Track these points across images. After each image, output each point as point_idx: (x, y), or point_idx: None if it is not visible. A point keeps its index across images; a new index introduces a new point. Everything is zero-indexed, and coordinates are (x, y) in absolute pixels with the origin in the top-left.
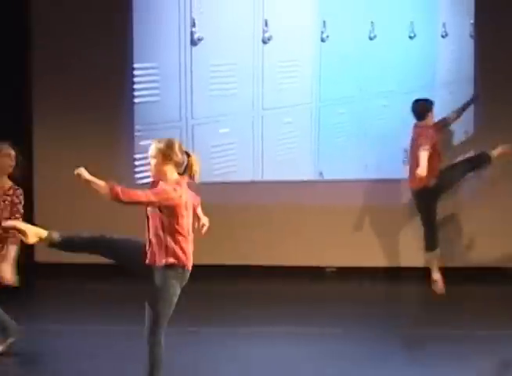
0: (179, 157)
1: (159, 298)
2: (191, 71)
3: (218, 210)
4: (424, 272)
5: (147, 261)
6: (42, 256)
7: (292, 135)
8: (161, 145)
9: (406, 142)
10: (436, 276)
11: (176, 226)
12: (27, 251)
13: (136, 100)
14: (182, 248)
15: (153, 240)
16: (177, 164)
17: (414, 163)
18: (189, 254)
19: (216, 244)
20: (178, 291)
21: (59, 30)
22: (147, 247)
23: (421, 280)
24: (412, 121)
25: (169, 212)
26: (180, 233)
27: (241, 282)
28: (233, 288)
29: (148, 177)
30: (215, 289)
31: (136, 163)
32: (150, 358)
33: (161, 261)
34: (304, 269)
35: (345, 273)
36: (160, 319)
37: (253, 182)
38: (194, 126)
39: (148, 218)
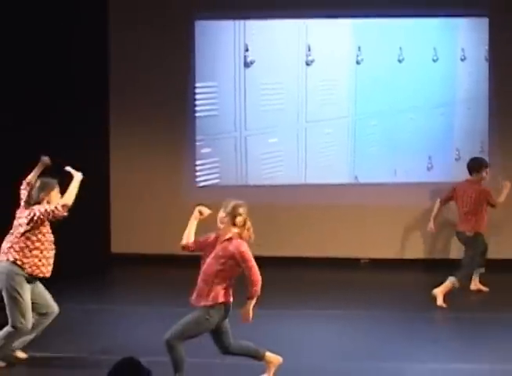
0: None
1: (199, 323)
2: (244, 89)
3: (266, 209)
4: (449, 263)
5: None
6: (118, 247)
7: (331, 145)
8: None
9: (430, 150)
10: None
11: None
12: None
13: (198, 114)
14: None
15: (201, 284)
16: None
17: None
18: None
19: (266, 238)
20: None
21: (135, 57)
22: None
23: (441, 270)
24: (435, 132)
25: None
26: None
27: (292, 271)
28: (284, 276)
29: (206, 180)
30: (273, 276)
31: (197, 168)
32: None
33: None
34: (341, 260)
35: (377, 264)
36: (189, 333)
37: (297, 185)
38: (247, 137)
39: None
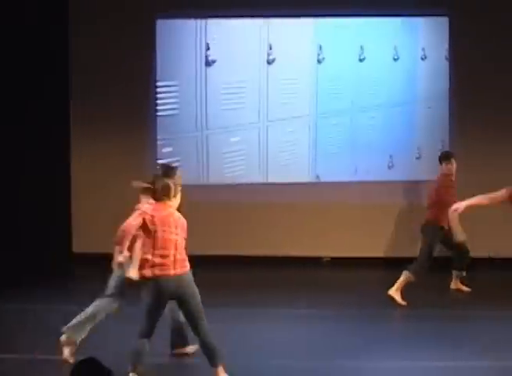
0: None
1: None
2: (206, 88)
3: (228, 208)
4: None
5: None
6: (79, 247)
7: (293, 143)
8: None
9: (391, 149)
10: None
11: None
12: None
13: (159, 114)
14: None
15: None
16: None
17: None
18: None
19: (228, 237)
20: None
21: (96, 56)
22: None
23: (402, 268)
24: (396, 130)
25: None
26: None
27: (254, 270)
28: (245, 275)
29: None
30: (235, 275)
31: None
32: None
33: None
34: (303, 258)
35: (339, 262)
36: None
37: (259, 184)
38: (208, 135)
39: None
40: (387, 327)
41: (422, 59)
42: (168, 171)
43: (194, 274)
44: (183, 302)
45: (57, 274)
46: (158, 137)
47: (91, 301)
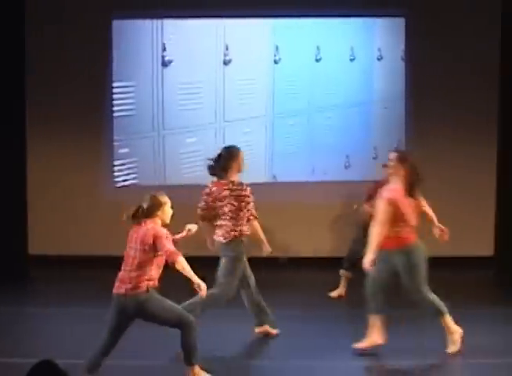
0: None
1: None
2: (162, 89)
3: (185, 209)
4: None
5: None
6: (35, 249)
7: (249, 144)
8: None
9: (347, 149)
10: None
11: None
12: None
13: (115, 114)
14: None
15: None
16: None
17: None
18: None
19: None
20: None
21: (51, 56)
22: None
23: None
24: (352, 131)
25: None
26: None
27: (211, 271)
28: (203, 276)
29: (124, 180)
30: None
31: (115, 168)
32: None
33: None
34: (259, 259)
35: (295, 263)
36: None
37: None
38: (165, 136)
39: None
40: (351, 327)
41: (378, 59)
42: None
43: None
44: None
45: (12, 276)
46: (115, 138)
47: (46, 304)
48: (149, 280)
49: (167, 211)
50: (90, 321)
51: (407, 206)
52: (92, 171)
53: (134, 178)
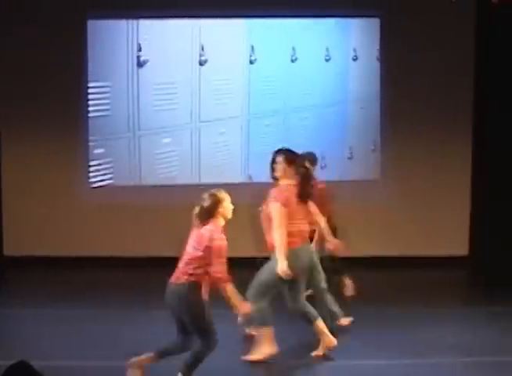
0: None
1: None
2: (138, 89)
3: (161, 209)
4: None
5: None
6: (10, 250)
7: (225, 144)
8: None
9: (323, 149)
10: None
11: None
12: None
13: (91, 115)
14: None
15: None
16: None
17: None
18: None
19: (161, 238)
20: None
21: (25, 56)
22: None
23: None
24: (328, 131)
25: None
26: None
27: None
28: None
29: (102, 180)
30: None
31: (91, 169)
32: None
33: None
34: (237, 259)
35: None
36: None
37: (192, 185)
38: (140, 136)
39: None
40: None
41: (353, 59)
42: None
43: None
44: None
45: None
46: (90, 138)
47: (21, 305)
48: (191, 274)
49: (227, 207)
50: (65, 322)
51: (295, 209)
52: (68, 172)
53: (109, 179)
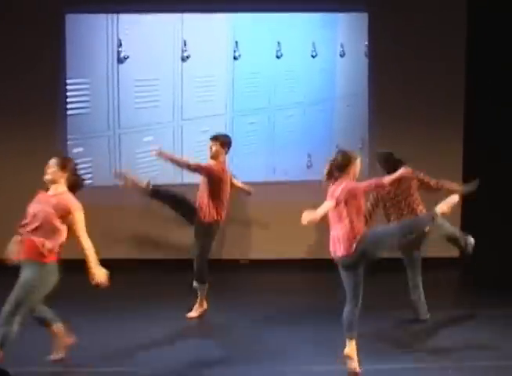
0: None
1: None
2: (118, 86)
3: (142, 211)
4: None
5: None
6: None
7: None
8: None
9: (309, 148)
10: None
11: None
12: None
13: (69, 113)
14: None
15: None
16: None
17: None
18: None
19: (143, 239)
20: None
21: (2, 53)
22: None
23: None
24: (314, 129)
25: None
26: None
27: (173, 273)
28: (167, 278)
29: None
30: (155, 279)
31: None
32: None
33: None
34: (220, 261)
35: (257, 265)
36: None
37: (174, 185)
38: (121, 135)
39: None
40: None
41: (341, 55)
42: None
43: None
44: None
45: None
46: (68, 137)
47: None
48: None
49: (357, 166)
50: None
51: None
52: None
53: (88, 179)
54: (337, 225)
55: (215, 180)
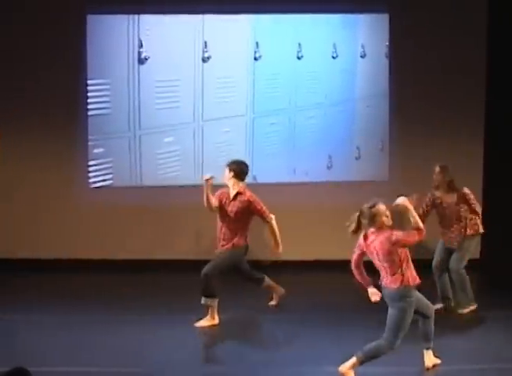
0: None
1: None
2: (139, 87)
3: (161, 211)
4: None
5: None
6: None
7: (229, 144)
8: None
9: (330, 149)
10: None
11: None
12: None
13: (90, 113)
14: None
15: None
16: None
17: None
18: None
19: (161, 240)
20: None
21: (23, 54)
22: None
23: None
24: (335, 130)
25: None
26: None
27: (188, 274)
28: (181, 281)
29: (101, 181)
30: (166, 279)
31: (90, 169)
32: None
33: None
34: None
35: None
36: None
37: (194, 186)
38: (141, 136)
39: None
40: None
41: (361, 56)
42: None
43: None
44: None
45: None
46: (89, 137)
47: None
48: None
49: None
50: (62, 328)
51: None
52: (67, 172)
53: (109, 179)
54: None
55: None
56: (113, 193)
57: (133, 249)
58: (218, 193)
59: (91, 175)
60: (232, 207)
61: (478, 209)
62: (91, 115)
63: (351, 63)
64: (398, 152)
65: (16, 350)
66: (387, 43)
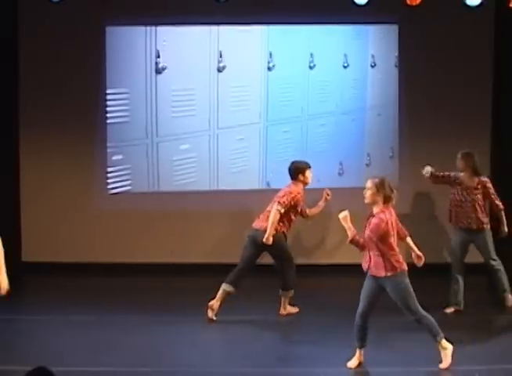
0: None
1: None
2: (156, 96)
3: (179, 216)
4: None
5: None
6: (29, 256)
7: (243, 151)
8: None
9: (341, 156)
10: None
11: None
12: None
13: (109, 121)
14: (397, 260)
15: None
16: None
17: None
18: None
19: (179, 245)
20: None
21: (45, 64)
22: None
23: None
24: (346, 138)
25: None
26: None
27: (202, 278)
28: (193, 283)
29: (119, 187)
30: (182, 283)
31: (109, 175)
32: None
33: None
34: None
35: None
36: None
37: (210, 192)
38: (158, 143)
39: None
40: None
41: (372, 66)
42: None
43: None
44: None
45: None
46: (108, 144)
47: (40, 311)
48: None
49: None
50: (82, 328)
51: None
52: (86, 178)
53: (127, 186)
54: None
55: None
56: (131, 199)
57: (150, 253)
58: None
59: (109, 181)
60: None
61: (499, 203)
62: (110, 123)
63: (362, 72)
64: (408, 159)
65: (36, 350)
66: (397, 53)
